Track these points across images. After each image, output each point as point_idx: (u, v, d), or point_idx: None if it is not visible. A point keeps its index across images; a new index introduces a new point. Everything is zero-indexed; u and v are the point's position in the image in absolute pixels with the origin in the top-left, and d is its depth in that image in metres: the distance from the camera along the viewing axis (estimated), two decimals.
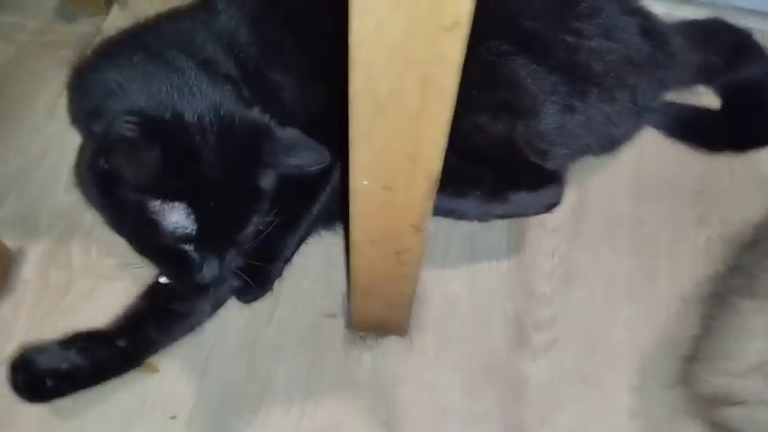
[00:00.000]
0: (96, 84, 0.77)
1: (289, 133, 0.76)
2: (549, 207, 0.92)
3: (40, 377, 0.78)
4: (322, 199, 0.86)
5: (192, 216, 0.71)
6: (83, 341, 0.81)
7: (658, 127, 1.07)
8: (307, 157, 0.77)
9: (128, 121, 0.67)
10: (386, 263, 0.70)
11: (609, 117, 0.92)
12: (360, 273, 0.74)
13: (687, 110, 1.08)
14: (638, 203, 1.03)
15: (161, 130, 0.70)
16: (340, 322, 0.90)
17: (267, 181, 0.76)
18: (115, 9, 1.19)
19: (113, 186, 0.71)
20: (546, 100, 0.87)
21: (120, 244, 0.80)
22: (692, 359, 0.88)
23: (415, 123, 0.50)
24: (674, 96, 1.06)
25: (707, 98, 1.10)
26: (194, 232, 0.72)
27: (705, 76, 1.08)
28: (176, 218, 0.71)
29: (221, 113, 0.72)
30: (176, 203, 0.70)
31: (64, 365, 0.79)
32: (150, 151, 0.67)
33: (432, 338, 0.89)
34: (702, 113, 1.09)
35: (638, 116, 0.97)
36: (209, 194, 0.71)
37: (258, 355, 0.87)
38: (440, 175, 0.56)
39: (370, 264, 0.71)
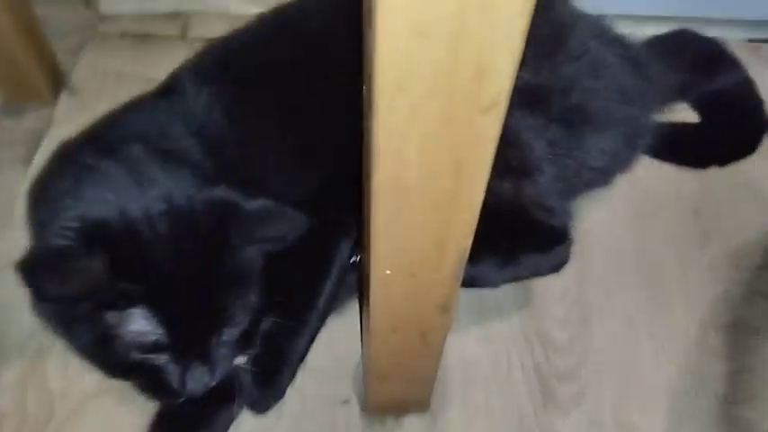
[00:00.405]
0: (52, 198, 0.69)
1: (259, 204, 0.67)
2: (559, 267, 0.87)
3: None
4: (328, 288, 0.78)
5: (156, 319, 0.62)
6: None
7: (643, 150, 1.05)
8: (282, 226, 0.68)
9: (63, 232, 0.62)
10: (409, 346, 0.64)
11: (606, 153, 0.90)
12: (380, 358, 0.67)
13: (666, 128, 1.06)
14: (638, 231, 1.00)
15: (101, 235, 0.62)
16: (355, 407, 0.82)
17: (245, 260, 0.68)
18: (64, 97, 1.11)
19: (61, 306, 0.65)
20: (547, 152, 0.83)
21: None
22: (735, 400, 0.84)
23: (445, 209, 0.44)
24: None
25: (684, 113, 1.08)
26: (162, 338, 0.63)
27: (681, 92, 1.07)
28: (136, 325, 0.63)
29: (173, 201, 0.65)
30: (133, 309, 0.62)
31: None
32: (91, 259, 0.59)
33: (455, 411, 0.82)
34: (681, 130, 1.08)
35: (634, 146, 0.95)
36: (170, 292, 0.63)
37: None
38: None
39: (391, 348, 0.65)
